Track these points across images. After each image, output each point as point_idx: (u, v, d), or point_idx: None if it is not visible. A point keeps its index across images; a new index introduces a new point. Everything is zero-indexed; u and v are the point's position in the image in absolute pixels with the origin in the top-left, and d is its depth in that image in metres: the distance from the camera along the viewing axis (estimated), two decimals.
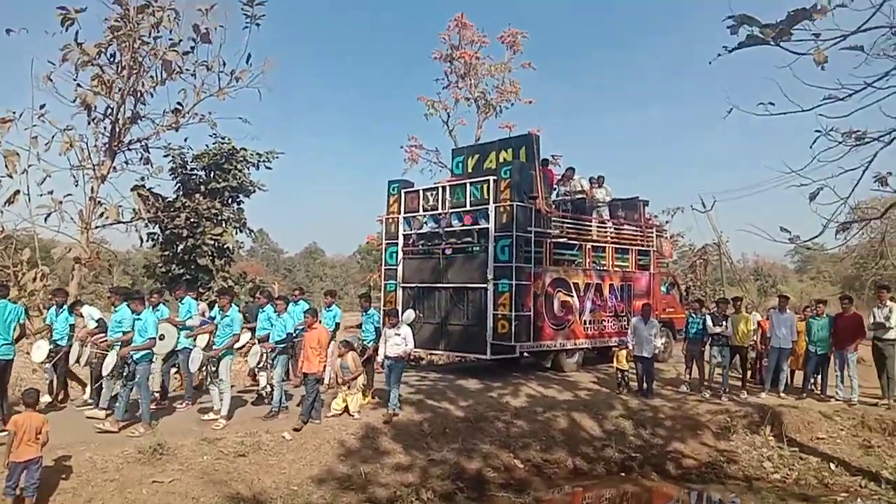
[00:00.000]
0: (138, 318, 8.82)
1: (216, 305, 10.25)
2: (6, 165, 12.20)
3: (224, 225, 15.98)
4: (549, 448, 10.08)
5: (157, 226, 15.43)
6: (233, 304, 9.93)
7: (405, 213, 14.72)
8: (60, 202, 12.63)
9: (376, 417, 9.88)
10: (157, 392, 10.35)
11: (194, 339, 10.00)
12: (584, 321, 14.53)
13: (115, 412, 8.65)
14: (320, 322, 10.37)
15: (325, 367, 10.19)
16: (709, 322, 12.25)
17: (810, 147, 7.56)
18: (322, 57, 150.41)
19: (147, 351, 8.79)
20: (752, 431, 10.78)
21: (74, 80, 13.28)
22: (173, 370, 11.03)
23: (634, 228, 16.55)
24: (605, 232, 15.55)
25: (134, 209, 13.71)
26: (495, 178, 13.38)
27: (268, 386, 10.80)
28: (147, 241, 15.48)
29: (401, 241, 14.73)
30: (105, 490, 7.04)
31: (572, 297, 14.17)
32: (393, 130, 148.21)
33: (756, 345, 13.33)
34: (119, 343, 8.89)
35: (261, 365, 10.40)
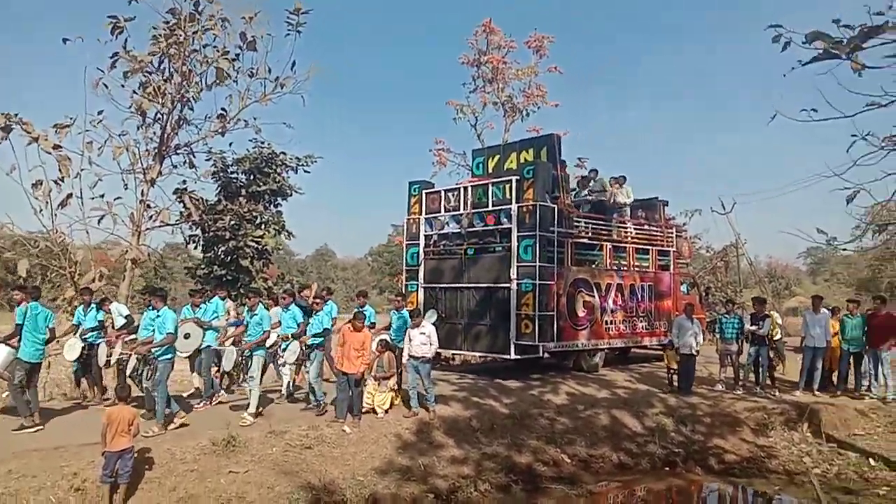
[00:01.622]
0: (158, 315, 9.00)
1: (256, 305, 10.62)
2: (59, 169, 12.57)
3: (264, 227, 16.43)
4: (594, 444, 10.39)
5: (199, 228, 15.84)
6: (260, 304, 10.19)
7: (426, 213, 14.88)
8: (109, 203, 13.07)
9: (425, 413, 10.20)
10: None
11: (230, 341, 10.29)
12: (606, 321, 14.65)
13: (156, 415, 8.78)
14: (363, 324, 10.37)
15: (365, 369, 10.28)
16: (747, 322, 12.55)
17: (847, 151, 7.90)
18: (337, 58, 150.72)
19: (167, 347, 8.98)
20: (790, 428, 11.08)
21: (122, 86, 13.69)
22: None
23: (654, 229, 16.72)
24: (626, 232, 15.70)
25: (180, 212, 14.15)
26: (518, 177, 13.53)
27: (290, 384, 11.24)
28: (189, 242, 15.96)
29: (422, 241, 14.90)
30: (187, 479, 7.41)
31: (594, 297, 14.28)
32: (407, 135, 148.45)
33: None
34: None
35: (298, 361, 10.68)
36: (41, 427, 8.60)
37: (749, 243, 39.95)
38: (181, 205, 14.81)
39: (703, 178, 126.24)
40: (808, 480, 9.45)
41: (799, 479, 9.63)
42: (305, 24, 14.12)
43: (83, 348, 10.33)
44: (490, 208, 13.71)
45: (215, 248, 16.16)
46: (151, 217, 13.26)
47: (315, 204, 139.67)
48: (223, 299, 11.61)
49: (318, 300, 10.77)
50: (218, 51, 13.55)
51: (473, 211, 13.94)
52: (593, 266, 14.66)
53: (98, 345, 10.38)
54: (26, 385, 8.87)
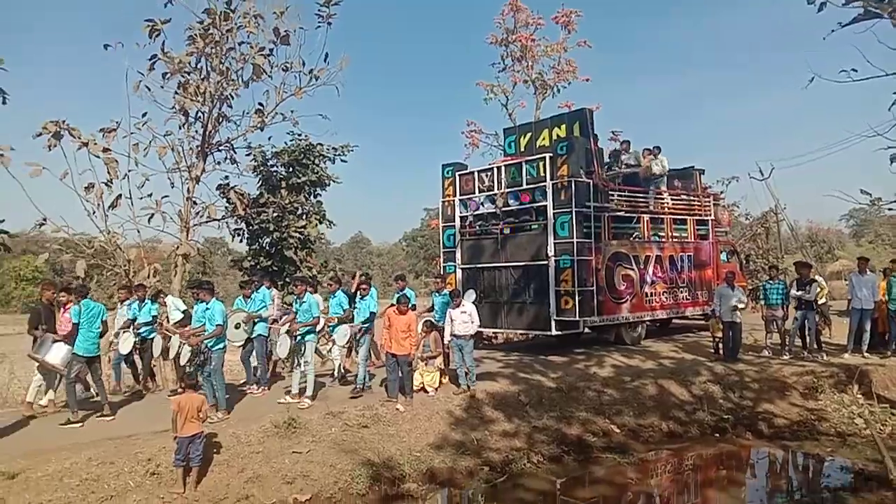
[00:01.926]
0: (207, 308, 9.33)
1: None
2: (108, 172, 12.99)
3: (306, 218, 16.81)
4: (642, 414, 10.53)
5: (243, 222, 16.27)
6: (307, 291, 10.42)
7: (461, 195, 15.00)
8: (158, 203, 13.50)
9: (476, 389, 10.44)
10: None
11: (284, 328, 10.53)
12: (646, 293, 14.67)
13: (217, 403, 9.14)
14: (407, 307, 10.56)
15: (413, 349, 10.48)
16: (792, 287, 12.50)
17: (889, 110, 7.81)
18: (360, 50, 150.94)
19: (219, 338, 9.30)
20: (840, 391, 11.06)
21: (162, 87, 14.04)
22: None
23: (691, 198, 16.56)
24: (663, 203, 15.60)
25: (225, 206, 14.57)
26: (552, 154, 13.55)
27: (342, 367, 11.59)
28: (234, 236, 16.43)
29: (457, 223, 15.04)
30: (253, 461, 7.77)
31: (633, 270, 14.31)
32: (438, 119, 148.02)
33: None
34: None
35: (348, 344, 11.05)
36: (81, 424, 8.84)
37: (789, 208, 39.30)
38: (225, 200, 15.22)
39: (738, 145, 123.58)
40: (862, 441, 9.50)
41: (851, 441, 9.65)
42: (336, 16, 14.31)
43: (136, 342, 10.87)
44: (525, 186, 13.77)
45: (259, 240, 16.62)
46: (198, 213, 13.67)
47: (348, 192, 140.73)
48: (269, 289, 11.92)
49: (364, 286, 11.01)
50: (252, 47, 13.81)
51: (508, 190, 14.01)
52: (631, 239, 14.66)
53: (153, 338, 10.89)
54: (91, 379, 9.36)
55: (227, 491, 7.24)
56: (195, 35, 13.77)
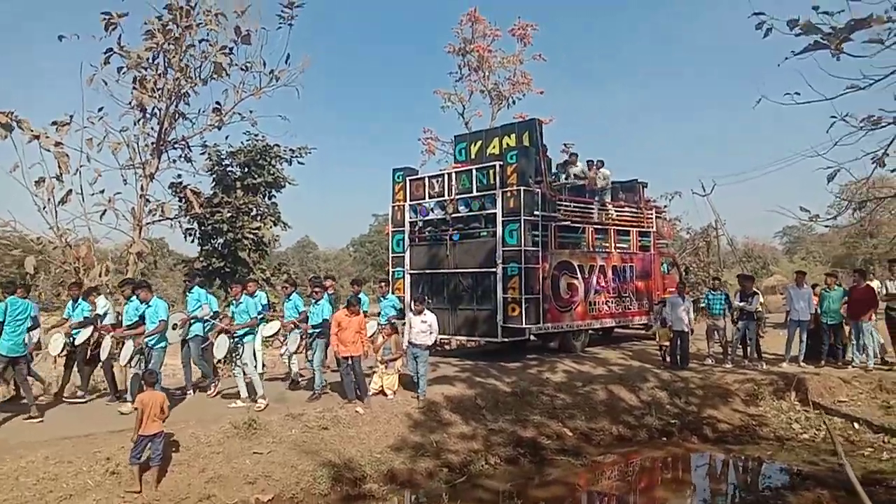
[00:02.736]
0: (148, 305, 9.23)
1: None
2: (59, 166, 12.67)
3: (261, 219, 16.67)
4: (593, 418, 10.86)
5: (195, 221, 16.02)
6: (244, 293, 10.25)
7: (411, 200, 14.97)
8: (110, 200, 13.21)
9: (433, 393, 10.59)
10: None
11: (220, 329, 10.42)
12: (589, 302, 14.92)
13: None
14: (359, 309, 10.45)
15: (366, 348, 10.45)
16: (735, 299, 13.09)
17: (827, 132, 8.35)
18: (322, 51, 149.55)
19: (160, 337, 9.22)
20: (779, 397, 11.61)
21: (117, 81, 13.78)
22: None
23: (635, 210, 16.93)
24: (607, 214, 15.94)
25: (179, 206, 14.34)
26: (502, 163, 13.64)
27: (300, 372, 11.45)
28: (187, 236, 16.15)
29: (407, 228, 15.03)
30: (214, 461, 7.75)
31: (577, 279, 14.55)
32: (393, 123, 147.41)
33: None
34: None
35: (299, 350, 10.94)
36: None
37: (728, 224, 40.86)
38: (178, 199, 14.98)
39: (683, 161, 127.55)
40: (799, 445, 10.05)
41: (789, 444, 10.17)
42: (297, 17, 14.33)
43: (65, 343, 10.17)
44: (475, 194, 13.87)
45: (212, 240, 16.40)
46: (151, 211, 13.43)
47: (294, 194, 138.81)
48: (202, 287, 11.57)
49: (317, 290, 10.95)
50: (212, 45, 13.69)
51: (458, 197, 14.08)
52: (576, 248, 14.94)
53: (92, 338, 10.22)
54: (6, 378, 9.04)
55: (189, 491, 7.21)
56: (154, 30, 13.56)
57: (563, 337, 14.73)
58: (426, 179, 15.03)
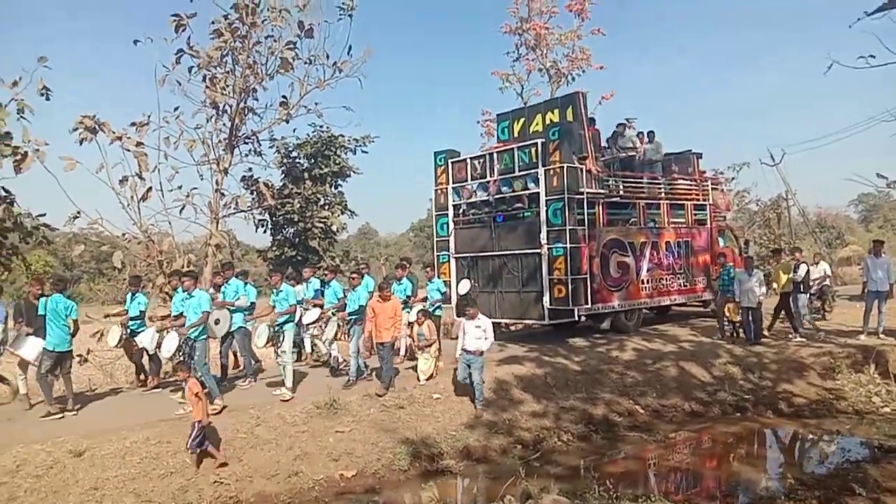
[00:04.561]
0: (190, 296, 9.20)
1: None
2: (139, 165, 13.36)
3: (329, 208, 17.18)
4: (665, 394, 10.89)
5: (266, 213, 16.64)
6: (284, 281, 10.35)
7: (453, 182, 14.74)
8: (188, 195, 13.87)
9: (504, 373, 10.79)
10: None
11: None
12: (643, 280, 14.49)
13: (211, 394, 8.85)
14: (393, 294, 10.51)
15: (399, 336, 10.51)
16: (802, 271, 12.85)
17: None
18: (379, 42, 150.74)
19: (202, 328, 9.14)
20: (857, 371, 11.36)
21: (189, 81, 14.39)
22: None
23: (688, 183, 16.29)
24: (659, 188, 15.37)
25: (252, 198, 14.96)
26: (543, 140, 13.21)
27: (338, 357, 11.32)
28: (259, 227, 16.81)
29: (451, 211, 14.78)
30: (300, 440, 8.19)
31: (628, 256, 14.12)
32: (454, 109, 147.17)
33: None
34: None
35: (338, 336, 11.10)
36: (60, 416, 8.87)
37: (799, 194, 39.45)
38: (250, 192, 15.58)
39: (749, 130, 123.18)
40: (880, 419, 9.83)
41: (870, 418, 9.96)
42: (356, 9, 14.61)
43: (121, 335, 10.37)
44: (517, 173, 13.54)
45: (283, 231, 17.02)
46: (226, 205, 14.03)
47: (356, 182, 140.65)
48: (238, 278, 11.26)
49: (355, 276, 10.89)
50: (277, 41, 14.13)
51: (500, 177, 13.79)
52: (627, 225, 14.53)
53: (142, 331, 10.30)
54: (56, 374, 9.14)
55: (278, 468, 7.65)
56: (221, 29, 14.08)
57: (615, 317, 14.32)
58: (468, 161, 14.69)
